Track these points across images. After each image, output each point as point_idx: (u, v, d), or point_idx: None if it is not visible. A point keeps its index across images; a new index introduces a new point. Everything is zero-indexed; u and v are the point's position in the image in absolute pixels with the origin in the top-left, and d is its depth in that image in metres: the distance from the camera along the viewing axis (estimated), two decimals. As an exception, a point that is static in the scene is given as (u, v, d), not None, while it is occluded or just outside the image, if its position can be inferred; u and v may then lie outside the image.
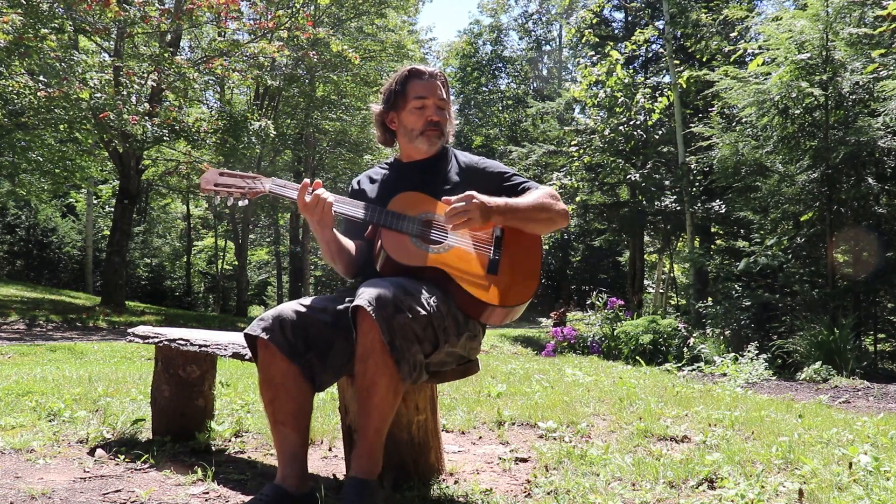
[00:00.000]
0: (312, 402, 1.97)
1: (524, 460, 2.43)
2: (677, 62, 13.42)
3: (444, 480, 2.16)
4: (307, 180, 2.00)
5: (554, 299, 25.12)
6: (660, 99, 13.30)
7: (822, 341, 6.31)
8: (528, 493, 2.03)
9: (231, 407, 3.28)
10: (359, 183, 2.29)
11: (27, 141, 12.05)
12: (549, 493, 2.00)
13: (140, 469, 2.25)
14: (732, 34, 11.25)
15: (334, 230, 2.07)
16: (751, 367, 6.35)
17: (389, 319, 1.74)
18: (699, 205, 11.96)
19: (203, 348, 2.34)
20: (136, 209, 16.86)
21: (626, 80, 13.35)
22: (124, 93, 11.44)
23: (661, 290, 17.41)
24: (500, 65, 34.71)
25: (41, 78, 10.69)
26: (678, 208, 13.07)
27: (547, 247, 25.32)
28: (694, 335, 8.17)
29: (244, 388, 3.86)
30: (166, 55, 11.71)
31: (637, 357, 7.78)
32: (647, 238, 17.87)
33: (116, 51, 12.64)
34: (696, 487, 2.06)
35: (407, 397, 2.07)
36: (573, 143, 15.10)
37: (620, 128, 13.54)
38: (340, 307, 1.97)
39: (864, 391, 5.09)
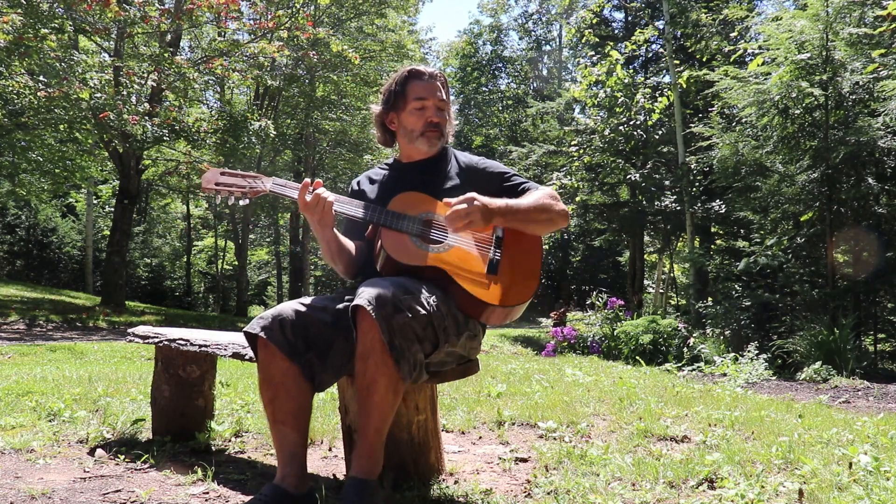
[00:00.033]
0: (312, 402, 1.97)
1: (524, 460, 2.43)
2: (677, 62, 13.42)
3: (444, 480, 2.16)
4: (308, 180, 2.00)
5: (554, 299, 25.12)
6: (660, 99, 13.30)
7: (822, 341, 6.31)
8: (528, 493, 2.03)
9: (231, 407, 3.28)
10: (358, 184, 2.29)
11: (27, 141, 12.05)
12: (549, 493, 2.00)
13: (140, 469, 2.25)
14: (732, 34, 11.26)
15: (335, 230, 2.07)
16: (751, 367, 6.35)
17: (389, 319, 1.74)
18: (699, 205, 11.96)
19: (203, 348, 2.35)
20: (136, 209, 16.86)
21: (626, 80, 13.36)
22: (124, 93, 11.44)
23: (661, 290, 17.41)
24: (500, 65, 34.71)
25: (41, 78, 10.69)
26: (678, 208, 13.07)
27: (547, 247, 25.32)
28: (694, 335, 8.17)
29: (244, 388, 3.86)
30: (166, 55, 11.71)
31: (637, 357, 7.78)
32: (647, 238, 17.87)
33: (116, 51, 12.64)
34: (696, 487, 2.06)
35: (407, 397, 2.07)
36: (573, 143, 15.10)
37: (620, 128, 13.54)
38: (340, 306, 1.97)
39: (864, 391, 5.09)
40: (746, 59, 9.52)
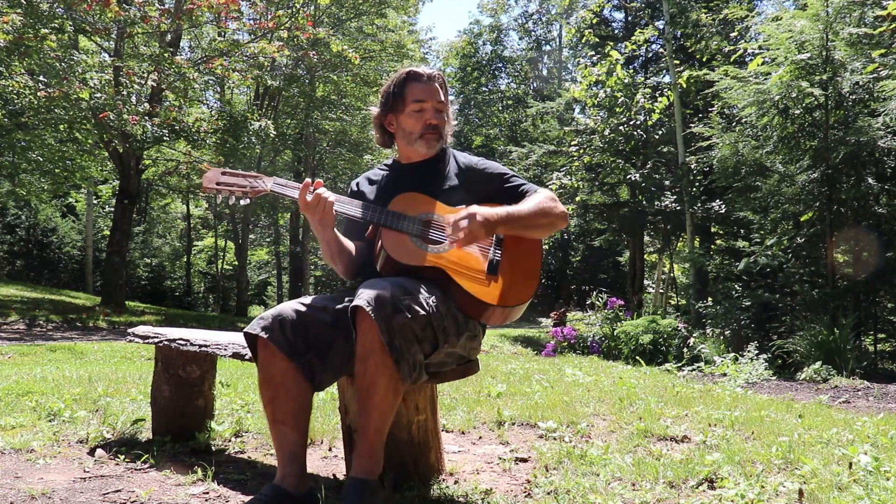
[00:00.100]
0: (312, 402, 1.97)
1: (524, 460, 2.43)
2: (677, 62, 13.42)
3: (444, 480, 2.16)
4: (308, 180, 2.00)
5: (554, 299, 25.12)
6: (660, 99, 13.30)
7: (822, 341, 6.31)
8: (528, 493, 2.03)
9: (231, 407, 3.28)
10: (358, 184, 2.29)
11: (27, 141, 12.05)
12: (549, 493, 2.00)
13: (140, 469, 2.25)
14: (732, 34, 11.25)
15: (335, 230, 2.07)
16: (751, 367, 6.35)
17: (388, 319, 1.74)
18: (699, 205, 11.96)
19: (203, 348, 2.35)
20: (136, 209, 16.86)
21: (626, 80, 13.35)
22: (124, 93, 11.44)
23: (661, 290, 17.41)
24: (500, 65, 34.71)
25: (41, 78, 10.69)
26: (678, 208, 13.07)
27: (547, 247, 25.33)
28: (694, 335, 8.17)
29: (244, 388, 3.86)
30: (166, 55, 11.71)
31: (637, 357, 7.78)
32: (647, 238, 17.87)
33: (116, 51, 12.63)
34: (696, 487, 2.06)
35: (407, 397, 2.08)
36: (573, 143, 15.09)
37: (620, 128, 13.54)
38: (340, 306, 1.97)
39: (864, 391, 5.09)
40: (746, 59, 9.52)
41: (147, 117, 11.21)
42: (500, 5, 34.33)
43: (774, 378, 6.13)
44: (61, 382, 3.97)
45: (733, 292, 8.38)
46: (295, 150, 20.37)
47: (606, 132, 13.68)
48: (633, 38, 14.27)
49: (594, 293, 9.49)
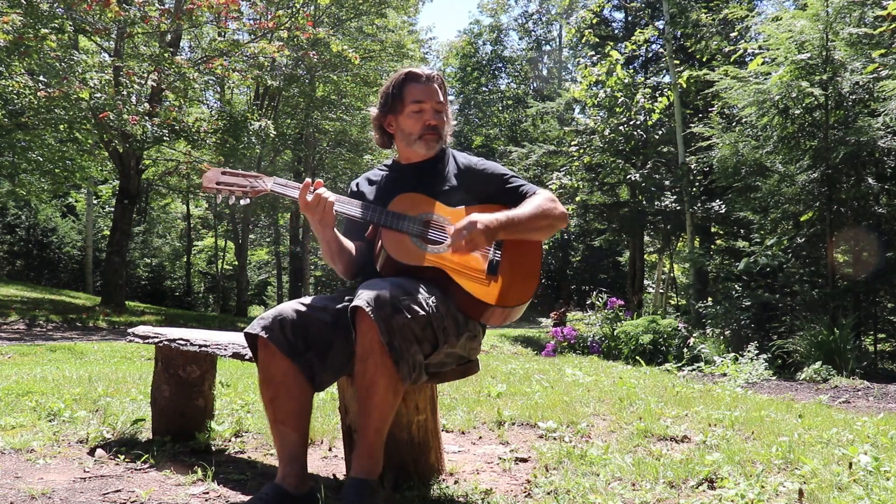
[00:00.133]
0: (312, 402, 1.98)
1: (524, 460, 2.43)
2: (677, 62, 13.42)
3: (444, 480, 2.16)
4: (309, 180, 2.00)
5: (554, 299, 25.12)
6: (660, 99, 13.29)
7: (822, 341, 6.31)
8: (528, 493, 2.03)
9: (231, 407, 3.28)
10: (357, 185, 2.29)
11: (27, 141, 12.05)
12: (549, 493, 2.00)
13: (140, 469, 2.25)
14: (732, 34, 11.25)
15: (335, 230, 2.07)
16: (751, 367, 6.35)
17: (388, 320, 1.74)
18: (699, 205, 11.96)
19: (203, 348, 2.35)
20: (136, 209, 16.86)
21: (626, 80, 13.35)
22: (124, 93, 11.44)
23: (661, 290, 17.40)
24: (500, 65, 34.71)
25: (41, 78, 10.69)
26: (678, 208, 13.07)
27: (547, 247, 25.33)
28: (694, 335, 8.17)
29: (244, 388, 3.86)
30: (166, 55, 11.70)
31: (637, 357, 7.78)
32: (647, 238, 17.87)
33: (116, 51, 12.63)
34: (696, 487, 2.06)
35: (407, 397, 2.08)
36: (573, 143, 15.09)
37: (620, 128, 13.54)
38: (340, 306, 1.97)
39: (864, 391, 5.09)
40: (746, 59, 9.52)
41: (147, 117, 11.21)
42: (500, 5, 34.33)
43: (774, 378, 6.13)
44: (61, 382, 3.97)
45: (733, 292, 8.38)
46: (295, 150, 20.38)
47: (606, 132, 13.68)
48: (633, 38, 14.27)
49: (594, 293, 9.49)
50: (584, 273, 27.77)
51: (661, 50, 15.40)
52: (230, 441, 2.71)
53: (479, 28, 34.88)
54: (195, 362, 2.59)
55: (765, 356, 6.61)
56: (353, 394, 1.98)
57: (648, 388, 4.46)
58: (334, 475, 2.23)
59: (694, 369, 6.90)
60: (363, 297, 1.75)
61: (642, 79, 15.66)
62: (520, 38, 34.87)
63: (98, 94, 10.76)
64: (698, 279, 11.64)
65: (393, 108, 2.18)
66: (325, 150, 20.88)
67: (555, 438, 2.76)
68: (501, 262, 2.03)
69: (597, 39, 16.68)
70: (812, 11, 7.03)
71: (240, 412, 3.16)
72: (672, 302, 15.92)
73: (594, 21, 16.93)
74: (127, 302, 14.87)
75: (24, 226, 21.04)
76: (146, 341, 2.55)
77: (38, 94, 10.28)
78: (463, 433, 2.90)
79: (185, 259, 25.17)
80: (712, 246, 13.23)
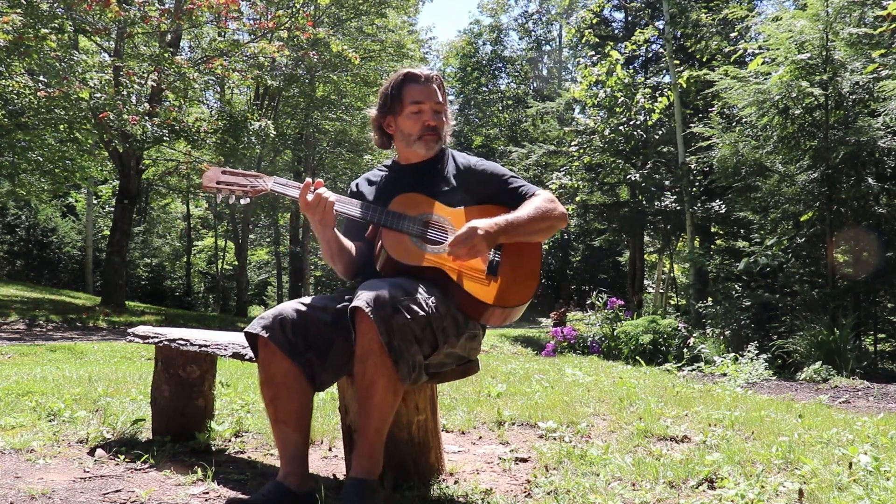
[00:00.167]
0: (313, 402, 1.98)
1: (524, 460, 2.43)
2: (677, 62, 13.42)
3: (444, 480, 2.16)
4: (309, 179, 2.00)
5: (554, 299, 25.12)
6: (660, 99, 13.29)
7: (822, 341, 6.31)
8: (528, 493, 2.03)
9: (231, 407, 3.28)
10: (357, 185, 2.30)
11: (27, 141, 12.05)
12: (549, 493, 2.00)
13: (140, 469, 2.25)
14: (732, 34, 11.25)
15: (335, 230, 2.07)
16: (751, 367, 6.35)
17: (388, 320, 1.74)
18: (699, 205, 11.96)
19: (203, 348, 2.35)
20: (136, 209, 16.85)
21: (626, 80, 13.35)
22: (124, 93, 11.44)
23: (661, 290, 17.40)
24: (500, 65, 34.70)
25: (41, 78, 10.69)
26: (678, 208, 13.07)
27: (547, 247, 25.34)
28: (694, 335, 8.17)
29: (244, 388, 3.86)
30: (166, 55, 11.70)
31: (637, 357, 7.78)
32: (647, 238, 17.86)
33: (116, 51, 12.63)
34: (696, 487, 2.06)
35: (407, 397, 2.08)
36: (573, 143, 15.09)
37: (620, 128, 13.54)
38: (340, 306, 1.97)
39: (864, 391, 5.09)
40: (746, 59, 9.52)
41: (147, 117, 11.21)
42: (500, 5, 34.32)
43: (774, 378, 6.13)
44: (61, 382, 3.97)
45: (733, 292, 8.38)
46: (295, 150, 20.38)
47: (606, 132, 13.67)
48: (633, 38, 14.27)
49: (594, 293, 9.49)
50: (584, 273, 27.77)
51: (661, 50, 15.40)
52: (230, 441, 2.71)
53: (479, 28, 34.88)
54: (195, 362, 2.59)
55: (765, 356, 6.61)
56: (353, 394, 1.98)
57: (648, 388, 4.46)
58: (334, 475, 2.23)
59: (694, 369, 6.90)
60: (362, 298, 1.75)
61: (642, 79, 15.65)
62: (520, 38, 34.89)
63: (98, 94, 10.76)
64: (698, 279, 11.64)
65: (392, 108, 2.18)
66: (325, 150, 20.88)
67: (555, 438, 2.76)
68: (501, 263, 2.03)
69: (597, 39, 16.68)
70: (812, 11, 7.03)
71: (240, 412, 3.16)
72: (672, 302, 15.92)
73: (594, 21, 16.93)
74: (127, 302, 14.87)
75: (24, 226, 21.04)
76: (146, 341, 2.55)
77: (38, 94, 10.28)
78: (463, 433, 2.90)
79: (185, 259, 25.17)
80: (712, 246, 13.23)
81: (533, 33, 33.96)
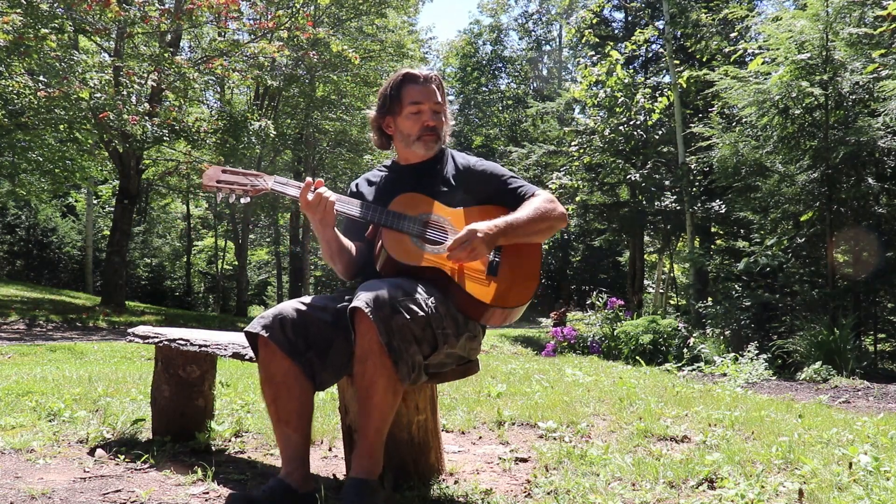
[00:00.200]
0: (314, 401, 1.98)
1: (524, 460, 2.43)
2: (677, 62, 13.42)
3: (444, 480, 2.16)
4: (310, 179, 2.00)
5: (554, 299, 25.12)
6: (660, 99, 13.29)
7: (822, 341, 6.31)
8: (528, 493, 2.03)
9: (231, 407, 3.28)
10: (357, 186, 2.30)
11: (27, 141, 12.04)
12: (549, 493, 2.00)
13: (140, 469, 2.25)
14: (732, 34, 11.25)
15: (335, 230, 2.07)
16: (751, 367, 6.35)
17: (387, 320, 1.74)
18: (699, 205, 11.96)
19: (203, 348, 2.35)
20: (136, 209, 16.85)
21: (626, 80, 13.35)
22: (124, 93, 11.44)
23: (661, 290, 17.40)
24: (500, 65, 34.70)
25: (41, 78, 10.68)
26: (678, 208, 13.07)
27: (547, 247, 25.34)
28: (694, 335, 8.17)
29: (244, 388, 3.86)
30: (166, 55, 11.70)
31: (637, 357, 7.78)
32: (647, 238, 17.86)
33: (116, 51, 12.63)
34: (696, 487, 2.06)
35: (407, 397, 2.08)
36: (573, 143, 15.09)
37: (620, 128, 13.54)
38: (340, 306, 1.97)
39: (864, 391, 5.09)
40: (746, 59, 9.52)
41: (147, 117, 11.20)
42: (500, 5, 34.32)
43: (774, 378, 6.13)
44: (61, 382, 3.97)
45: (733, 292, 8.38)
46: (295, 150, 20.37)
47: (606, 132, 13.67)
48: (633, 38, 14.27)
49: (594, 293, 9.49)
50: (584, 273, 27.77)
51: (661, 50, 15.40)
52: (230, 441, 2.71)
53: (479, 28, 34.87)
54: (195, 362, 2.59)
55: (765, 356, 6.61)
56: (353, 394, 1.98)
57: (648, 388, 4.46)
58: (334, 475, 2.23)
59: (694, 369, 6.90)
60: (362, 298, 1.75)
61: (642, 79, 15.65)
62: (520, 38, 34.89)
63: (98, 94, 10.76)
64: (698, 279, 11.64)
65: (391, 109, 2.18)
66: (325, 150, 20.88)
67: (555, 438, 2.76)
68: (501, 263, 2.03)
69: (597, 39, 16.68)
70: (812, 11, 7.03)
71: (240, 412, 3.16)
72: (672, 302, 15.92)
73: (594, 21, 16.93)
74: (127, 302, 14.87)
75: (24, 226, 21.04)
76: (146, 341, 2.55)
77: (38, 94, 10.28)
78: (463, 433, 2.90)
79: (185, 259, 25.17)
80: (712, 246, 13.23)
81: (533, 33, 33.96)
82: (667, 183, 13.83)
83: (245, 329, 1.93)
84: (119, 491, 2.03)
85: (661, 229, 15.21)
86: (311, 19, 13.48)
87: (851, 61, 7.07)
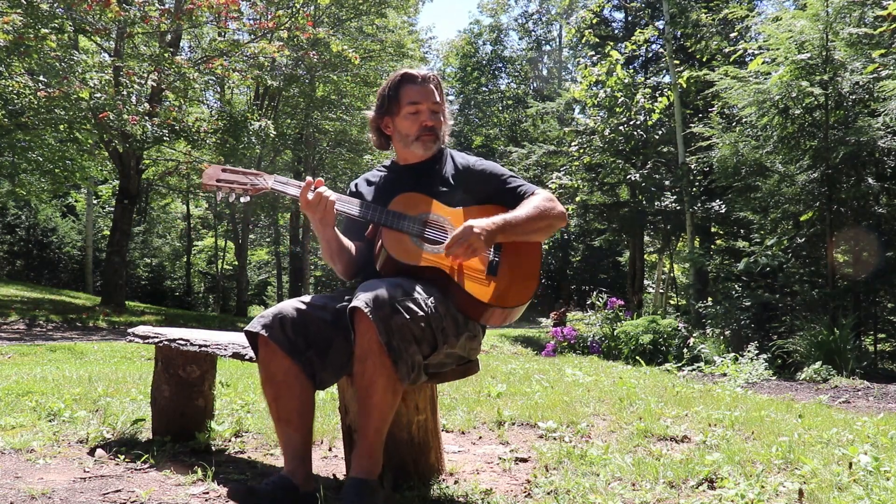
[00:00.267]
0: (314, 401, 1.98)
1: (524, 460, 2.43)
2: (677, 62, 13.42)
3: (444, 480, 2.16)
4: (310, 178, 2.00)
5: (554, 299, 25.12)
6: (660, 99, 13.29)
7: (822, 341, 6.31)
8: (528, 493, 2.03)
9: (231, 407, 3.28)
10: (356, 186, 2.30)
11: (27, 141, 12.04)
12: (549, 493, 2.00)
13: (140, 469, 2.25)
14: (732, 34, 11.25)
15: (335, 229, 2.07)
16: (751, 367, 6.35)
17: (387, 320, 1.74)
18: (699, 205, 11.96)
19: (203, 348, 2.34)
20: (136, 209, 16.85)
21: (626, 80, 13.35)
22: (124, 93, 11.43)
23: (661, 290, 17.40)
24: (500, 65, 34.70)
25: (41, 78, 10.68)
26: (678, 208, 13.07)
27: (547, 247, 25.34)
28: (694, 335, 8.17)
29: (244, 388, 3.86)
30: (166, 55, 11.70)
31: (637, 357, 7.78)
32: (647, 238, 17.86)
33: (116, 51, 12.63)
34: (696, 487, 2.06)
35: (407, 397, 2.08)
36: (573, 143, 15.09)
37: (620, 128, 13.54)
38: (340, 305, 1.97)
39: (864, 391, 5.09)
40: (746, 59, 9.52)
41: (147, 117, 11.20)
42: (500, 5, 34.32)
43: (774, 378, 6.13)
44: (61, 382, 3.97)
45: (733, 292, 8.38)
46: (295, 150, 20.38)
47: (606, 132, 13.67)
48: (633, 38, 14.27)
49: (594, 293, 9.49)
50: (584, 273, 27.77)
51: (661, 50, 15.39)
52: (230, 441, 2.71)
53: (479, 28, 34.87)
54: (195, 362, 2.59)
55: (765, 356, 6.61)
56: (353, 394, 1.98)
57: (648, 388, 4.46)
58: (334, 475, 2.23)
59: (694, 369, 6.90)
60: (361, 298, 1.75)
61: (642, 79, 15.65)
62: (520, 38, 34.89)
63: (98, 94, 10.75)
64: (698, 279, 11.64)
65: (389, 109, 2.18)
66: (325, 150, 20.88)
67: (555, 438, 2.76)
68: (501, 263, 2.03)
69: (597, 39, 16.68)
70: (812, 11, 7.03)
71: (240, 412, 3.16)
72: (672, 302, 15.92)
73: (594, 21, 16.92)
74: (127, 302, 14.87)
75: (24, 226, 21.04)
76: (146, 341, 2.55)
77: (38, 94, 10.27)
78: (463, 433, 2.90)
79: (185, 259, 25.17)
80: (712, 246, 13.23)
81: (533, 33, 33.96)
82: (667, 183, 13.83)
83: (245, 328, 1.93)
84: (119, 491, 2.03)
85: (661, 229, 15.21)
86: (311, 19, 13.47)
87: (851, 61, 7.07)
